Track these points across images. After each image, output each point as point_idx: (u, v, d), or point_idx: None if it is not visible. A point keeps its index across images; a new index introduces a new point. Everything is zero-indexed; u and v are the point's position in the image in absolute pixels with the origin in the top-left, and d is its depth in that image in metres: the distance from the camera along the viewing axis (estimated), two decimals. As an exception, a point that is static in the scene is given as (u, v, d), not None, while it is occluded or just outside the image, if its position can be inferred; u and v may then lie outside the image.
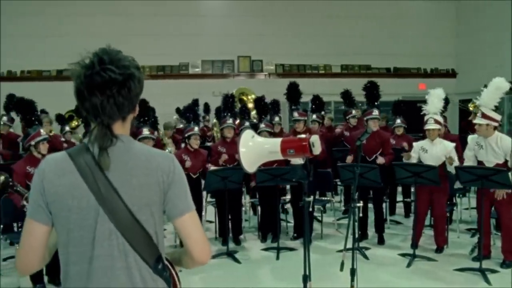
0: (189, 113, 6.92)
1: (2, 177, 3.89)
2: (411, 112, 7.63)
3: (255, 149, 2.36)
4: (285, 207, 6.58)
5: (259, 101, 7.59)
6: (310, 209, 3.33)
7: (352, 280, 3.60)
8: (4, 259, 5.27)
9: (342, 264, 3.46)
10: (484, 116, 4.91)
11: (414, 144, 5.70)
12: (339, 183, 7.24)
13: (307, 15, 12.91)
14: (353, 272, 3.61)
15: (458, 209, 6.37)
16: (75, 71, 1.41)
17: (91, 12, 11.99)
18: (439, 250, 5.45)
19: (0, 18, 11.48)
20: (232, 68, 13.15)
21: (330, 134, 8.13)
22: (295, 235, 6.14)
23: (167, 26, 12.37)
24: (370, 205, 5.99)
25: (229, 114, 6.51)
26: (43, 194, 1.42)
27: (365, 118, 6.04)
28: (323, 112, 8.63)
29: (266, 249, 5.75)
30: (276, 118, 7.86)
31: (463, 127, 9.12)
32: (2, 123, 7.27)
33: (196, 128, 6.07)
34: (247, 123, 7.21)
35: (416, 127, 7.39)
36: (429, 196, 5.39)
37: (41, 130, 4.82)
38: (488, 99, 4.94)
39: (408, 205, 7.21)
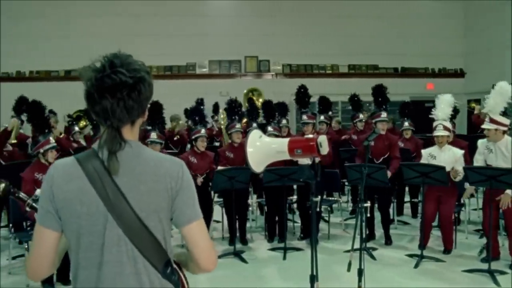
0: (196, 115, 6.94)
1: (3, 185, 3.91)
2: (418, 113, 7.59)
3: (263, 149, 2.36)
4: (292, 207, 6.57)
5: (267, 105, 7.56)
6: (318, 209, 3.32)
7: (360, 280, 3.59)
8: (13, 258, 5.32)
9: (350, 264, 3.45)
10: (492, 121, 4.90)
11: (423, 151, 5.67)
12: (346, 183, 7.23)
13: (314, 15, 12.88)
14: (360, 272, 3.60)
15: (466, 210, 6.34)
16: (86, 74, 1.41)
17: (99, 13, 12.06)
18: (447, 251, 5.42)
19: (10, 19, 11.61)
20: (239, 68, 13.16)
21: (338, 137, 8.11)
22: (302, 235, 6.14)
23: (174, 26, 12.41)
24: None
25: (237, 118, 6.51)
26: (53, 201, 1.42)
27: (373, 120, 6.03)
28: (330, 113, 8.59)
29: (273, 249, 5.75)
30: (284, 121, 7.83)
31: (473, 123, 9.05)
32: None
33: (203, 130, 6.07)
34: (254, 124, 7.21)
35: (423, 128, 7.35)
36: (437, 196, 5.36)
37: (51, 138, 4.87)
38: (494, 104, 4.94)
39: (416, 206, 7.17)
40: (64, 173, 1.43)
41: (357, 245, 3.76)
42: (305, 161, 5.23)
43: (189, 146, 7.31)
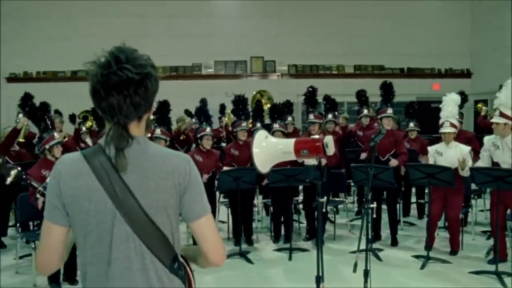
0: (201, 114, 6.95)
1: (16, 170, 3.98)
2: (424, 113, 7.55)
3: (269, 150, 2.36)
4: (298, 207, 6.56)
5: (273, 108, 7.56)
6: (324, 210, 3.31)
7: (365, 281, 3.58)
8: (21, 257, 5.35)
9: (355, 265, 3.44)
10: (502, 115, 4.86)
11: (429, 148, 5.63)
12: (352, 183, 7.21)
13: (320, 16, 12.87)
14: (366, 273, 3.59)
15: (473, 211, 6.30)
16: (91, 70, 1.39)
17: (105, 14, 12.13)
18: (454, 252, 5.39)
19: (17, 20, 11.70)
20: (245, 68, 13.17)
21: (343, 134, 8.10)
22: (307, 236, 6.13)
23: (180, 26, 12.44)
24: (384, 206, 5.95)
25: (243, 116, 6.51)
26: (60, 196, 1.42)
27: (379, 116, 5.99)
28: (336, 113, 8.58)
29: (278, 250, 5.75)
30: (289, 118, 7.86)
31: (478, 124, 9.01)
32: (18, 121, 7.34)
33: (208, 129, 6.10)
34: (258, 124, 7.22)
35: (429, 129, 7.32)
36: (443, 197, 5.33)
37: (55, 134, 4.89)
38: (506, 98, 4.88)
39: (422, 207, 7.14)
40: (72, 168, 1.43)
41: (363, 246, 3.74)
42: (311, 161, 5.25)
43: (194, 146, 7.33)
